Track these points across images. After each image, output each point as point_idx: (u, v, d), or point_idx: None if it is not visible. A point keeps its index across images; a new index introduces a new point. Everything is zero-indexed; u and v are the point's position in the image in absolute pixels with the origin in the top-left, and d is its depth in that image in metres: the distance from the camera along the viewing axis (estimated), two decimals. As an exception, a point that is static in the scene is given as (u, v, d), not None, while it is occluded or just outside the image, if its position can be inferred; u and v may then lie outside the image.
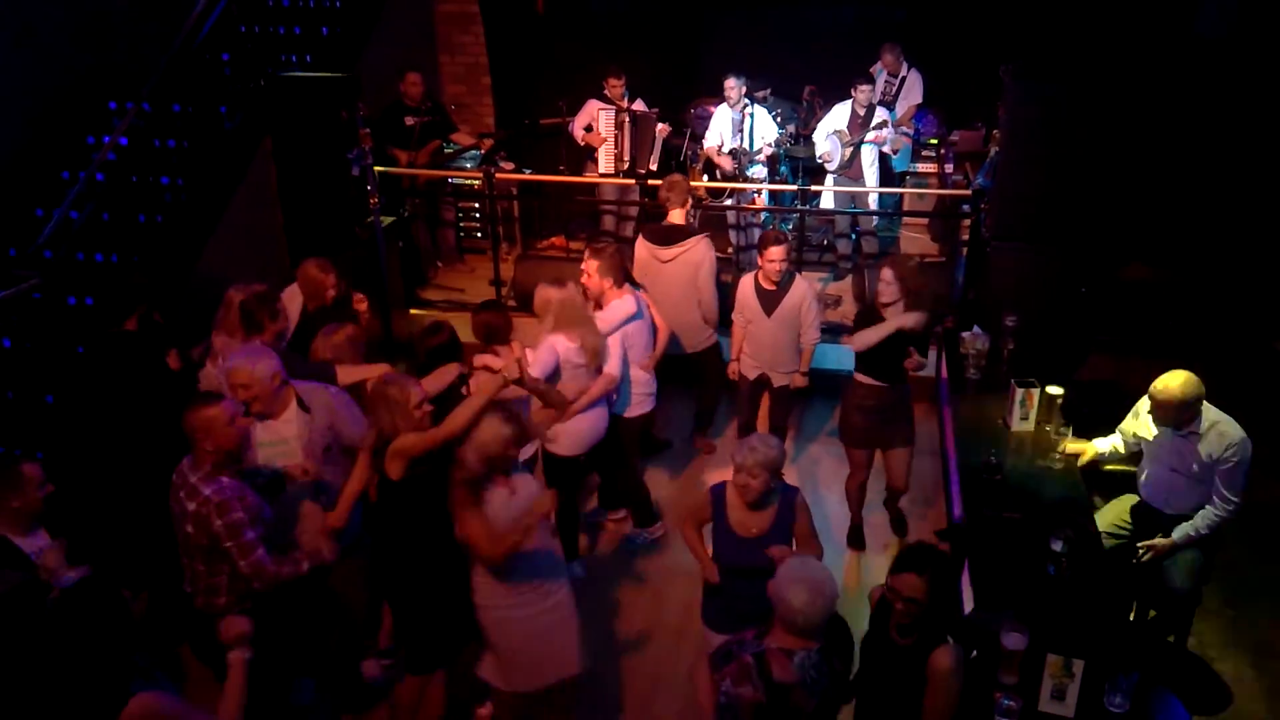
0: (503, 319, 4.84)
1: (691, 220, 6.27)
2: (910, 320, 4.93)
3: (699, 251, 5.90)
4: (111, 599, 3.08)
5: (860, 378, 5.23)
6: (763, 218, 8.14)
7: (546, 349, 4.86)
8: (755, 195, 8.16)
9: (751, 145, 7.87)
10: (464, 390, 4.54)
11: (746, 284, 5.67)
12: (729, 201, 8.07)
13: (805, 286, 5.63)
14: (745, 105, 7.82)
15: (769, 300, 5.58)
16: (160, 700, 2.84)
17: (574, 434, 5.08)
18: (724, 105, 7.91)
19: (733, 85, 7.75)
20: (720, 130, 7.96)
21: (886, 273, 5.03)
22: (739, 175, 7.88)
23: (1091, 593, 3.94)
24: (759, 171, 7.99)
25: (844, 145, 7.73)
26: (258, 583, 3.61)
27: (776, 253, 5.43)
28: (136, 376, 4.71)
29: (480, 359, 4.72)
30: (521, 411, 4.62)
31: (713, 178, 8.12)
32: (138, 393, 4.64)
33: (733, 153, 7.90)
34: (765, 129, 7.91)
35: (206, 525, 3.52)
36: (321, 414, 4.15)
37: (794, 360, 5.71)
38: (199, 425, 3.53)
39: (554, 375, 4.89)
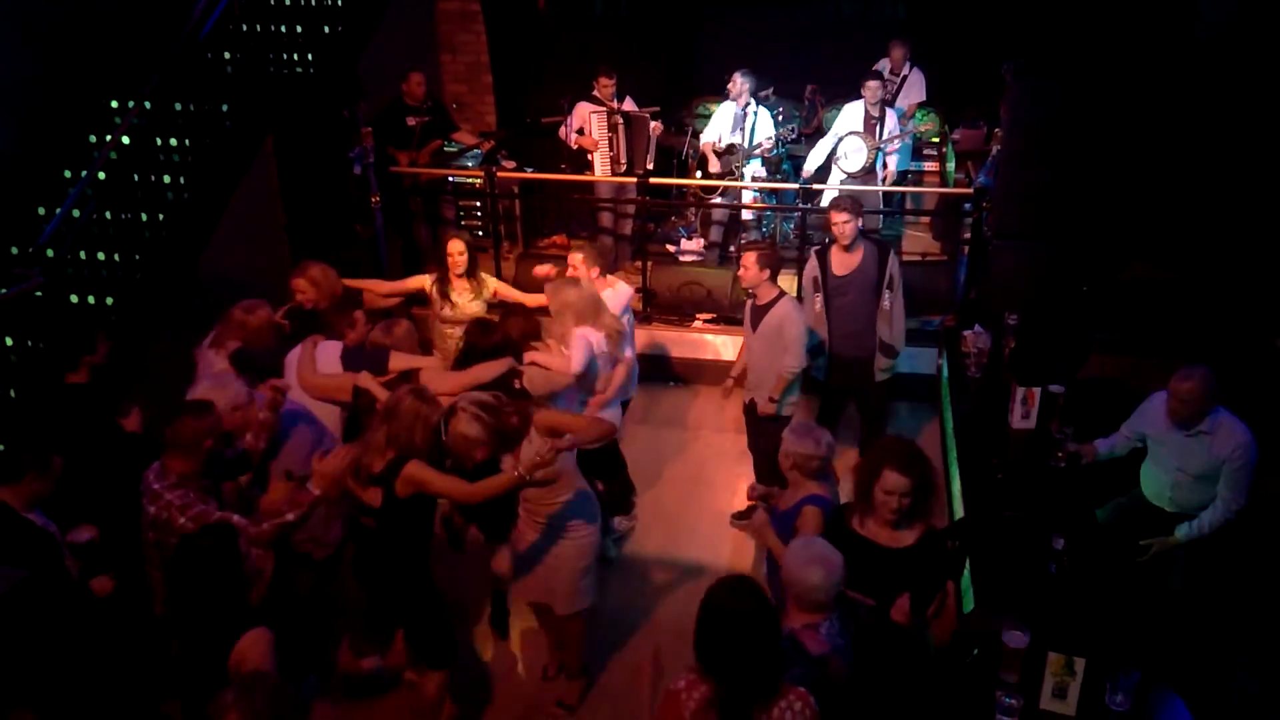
0: (533, 323, 4.96)
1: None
2: None
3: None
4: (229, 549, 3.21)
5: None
6: (746, 215, 8.14)
7: (581, 343, 4.88)
8: (756, 195, 8.17)
9: (751, 142, 7.87)
10: (515, 384, 4.63)
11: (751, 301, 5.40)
12: (717, 199, 8.09)
13: (790, 307, 5.22)
14: (750, 103, 7.82)
15: (755, 315, 5.30)
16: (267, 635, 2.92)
17: None
18: (727, 101, 7.89)
19: (738, 81, 7.73)
20: (720, 127, 7.95)
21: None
22: (731, 172, 7.91)
23: (1093, 591, 3.94)
24: (756, 168, 7.97)
25: (869, 149, 7.65)
26: (253, 546, 3.68)
27: (748, 260, 5.17)
28: (82, 436, 4.39)
29: (530, 355, 4.81)
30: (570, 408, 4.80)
31: (705, 174, 8.15)
32: (84, 455, 4.30)
33: (729, 148, 7.90)
34: (764, 128, 7.90)
35: (170, 527, 3.57)
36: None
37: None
38: (183, 436, 3.63)
39: (591, 367, 4.95)
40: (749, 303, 5.38)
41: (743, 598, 2.76)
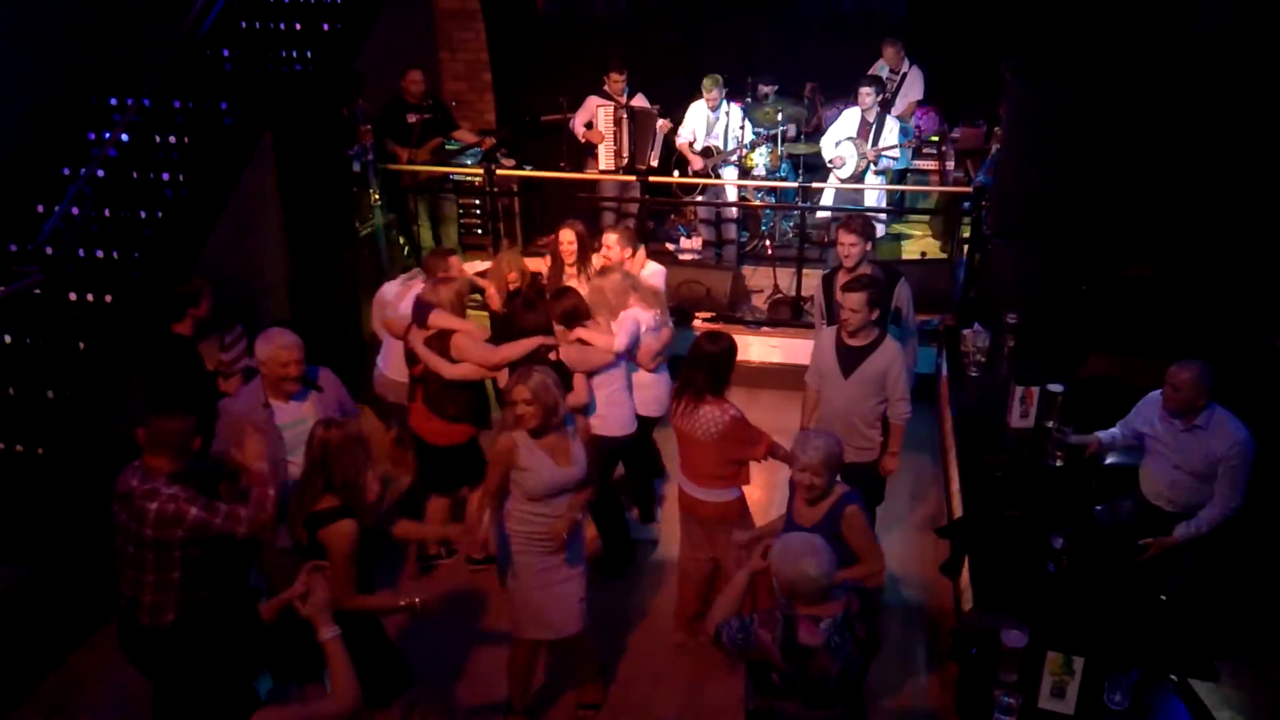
0: (582, 301, 5.07)
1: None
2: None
3: None
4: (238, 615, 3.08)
5: None
6: (736, 213, 8.17)
7: (628, 323, 5.06)
8: (747, 195, 8.20)
9: (726, 145, 7.91)
10: (550, 357, 4.80)
11: (828, 338, 4.78)
12: (700, 198, 8.18)
13: (896, 349, 4.65)
14: (722, 104, 7.90)
15: (849, 359, 4.65)
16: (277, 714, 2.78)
17: (647, 401, 5.32)
18: (700, 102, 7.96)
19: (709, 83, 7.82)
20: (694, 127, 8.03)
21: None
22: (709, 173, 7.97)
23: (1091, 590, 3.94)
24: (730, 173, 8.04)
25: (859, 156, 7.64)
26: (266, 532, 3.79)
27: (855, 299, 4.51)
28: (193, 384, 4.72)
29: (578, 332, 4.94)
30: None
31: (683, 173, 8.18)
32: (195, 401, 4.41)
33: (705, 150, 7.96)
34: (735, 130, 7.96)
35: (179, 520, 3.56)
36: (331, 389, 4.41)
37: (868, 436, 4.74)
38: (163, 433, 3.61)
39: (635, 343, 5.11)
40: (833, 343, 4.73)
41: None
